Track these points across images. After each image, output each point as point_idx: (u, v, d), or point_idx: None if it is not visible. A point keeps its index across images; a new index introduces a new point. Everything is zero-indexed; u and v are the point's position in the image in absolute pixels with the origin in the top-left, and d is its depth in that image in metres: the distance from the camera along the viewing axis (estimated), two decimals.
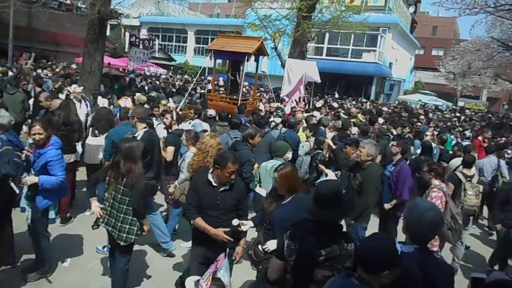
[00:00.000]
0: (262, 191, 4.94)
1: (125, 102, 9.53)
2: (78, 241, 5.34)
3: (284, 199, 3.41)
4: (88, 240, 5.38)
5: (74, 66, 21.37)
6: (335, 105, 16.32)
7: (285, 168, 3.44)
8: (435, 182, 4.79)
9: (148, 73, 23.98)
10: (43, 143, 4.07)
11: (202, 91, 16.06)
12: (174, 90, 16.26)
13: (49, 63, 19.48)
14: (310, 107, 13.67)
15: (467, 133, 11.60)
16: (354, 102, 20.81)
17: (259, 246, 3.37)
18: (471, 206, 5.57)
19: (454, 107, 31.12)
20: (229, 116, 7.27)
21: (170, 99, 11.44)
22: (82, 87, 8.68)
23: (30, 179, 4.04)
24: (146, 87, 15.21)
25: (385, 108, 18.88)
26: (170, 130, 6.62)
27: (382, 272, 1.97)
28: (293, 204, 3.31)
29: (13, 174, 3.99)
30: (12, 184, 3.97)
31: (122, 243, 3.80)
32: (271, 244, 3.17)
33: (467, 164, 6.33)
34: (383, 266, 1.97)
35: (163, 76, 25.10)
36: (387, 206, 5.48)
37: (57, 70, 16.48)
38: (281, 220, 3.28)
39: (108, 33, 14.43)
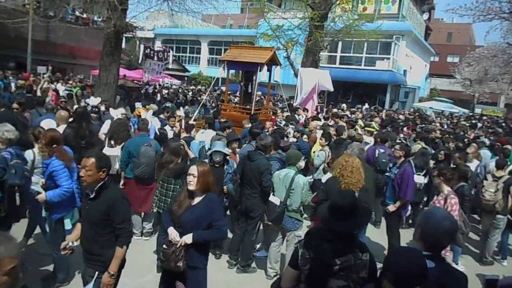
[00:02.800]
0: (275, 199, 4.93)
1: (146, 113, 9.69)
2: None
3: (194, 199, 3.42)
4: None
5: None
6: (348, 113, 16.21)
7: (204, 165, 3.49)
8: (447, 187, 4.72)
9: (163, 84, 24.30)
10: (50, 154, 4.24)
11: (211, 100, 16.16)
12: (184, 100, 16.42)
13: (66, 77, 19.89)
14: (323, 115, 13.64)
15: (486, 140, 11.31)
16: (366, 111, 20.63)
17: (163, 246, 3.38)
18: (488, 201, 6.09)
19: (470, 114, 30.65)
20: (230, 127, 7.41)
21: (181, 108, 11.58)
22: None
23: (40, 196, 4.22)
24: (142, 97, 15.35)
25: (401, 116, 18.70)
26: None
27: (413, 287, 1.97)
28: (204, 204, 3.37)
29: (19, 184, 4.01)
30: (17, 196, 4.02)
31: None
32: (172, 232, 3.31)
33: (499, 165, 6.54)
34: (416, 283, 1.97)
35: (174, 87, 25.34)
36: (391, 208, 5.70)
37: (70, 82, 16.78)
38: (193, 222, 3.32)
39: (123, 45, 14.69)
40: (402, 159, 5.96)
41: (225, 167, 5.39)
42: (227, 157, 5.47)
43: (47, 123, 6.00)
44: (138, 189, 5.73)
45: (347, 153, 5.11)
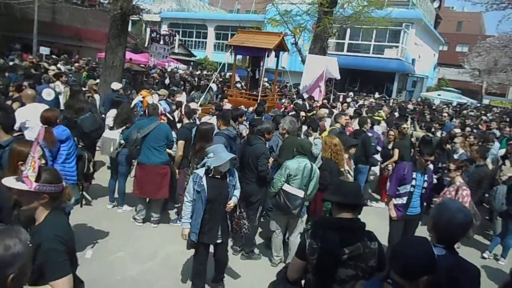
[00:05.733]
0: (299, 192, 4.83)
1: (152, 98, 9.64)
2: (100, 234, 5.40)
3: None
4: (109, 233, 5.44)
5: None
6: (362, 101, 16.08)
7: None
8: (460, 179, 4.72)
9: (169, 69, 24.10)
10: None
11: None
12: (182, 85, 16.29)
13: (73, 59, 19.83)
14: (331, 103, 13.51)
15: (497, 132, 11.19)
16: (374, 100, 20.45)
17: None
18: None
19: (478, 104, 30.34)
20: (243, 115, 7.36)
21: (184, 93, 11.52)
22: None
23: None
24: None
25: (409, 106, 18.54)
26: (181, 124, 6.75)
27: (421, 277, 1.93)
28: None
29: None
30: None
31: None
32: None
33: None
34: (423, 273, 1.93)
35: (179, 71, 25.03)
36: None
37: (76, 65, 16.69)
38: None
39: (129, 28, 14.53)
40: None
41: (228, 178, 4.12)
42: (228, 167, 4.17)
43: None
44: (152, 175, 5.68)
45: (332, 136, 5.51)
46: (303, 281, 2.77)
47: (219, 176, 4.01)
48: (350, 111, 10.65)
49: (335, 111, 9.83)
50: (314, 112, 9.77)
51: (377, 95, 24.71)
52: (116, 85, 9.82)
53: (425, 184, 5.05)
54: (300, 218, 5.01)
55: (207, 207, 3.97)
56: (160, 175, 5.76)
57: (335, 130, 7.31)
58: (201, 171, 4.02)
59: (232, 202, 4.12)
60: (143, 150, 5.68)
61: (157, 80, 16.36)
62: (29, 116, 5.28)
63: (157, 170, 5.70)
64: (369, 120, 7.93)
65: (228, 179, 4.10)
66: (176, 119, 7.69)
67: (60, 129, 4.49)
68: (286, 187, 4.83)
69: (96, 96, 9.55)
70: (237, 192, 4.25)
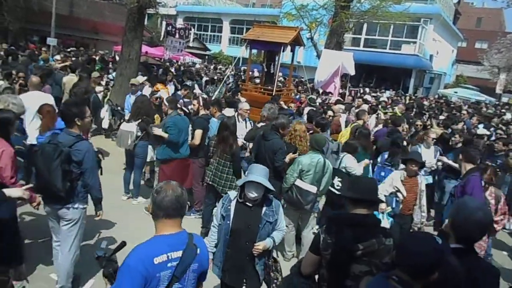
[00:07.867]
0: (311, 188, 4.83)
1: (168, 90, 9.73)
2: (114, 225, 5.47)
3: None
4: (123, 224, 5.50)
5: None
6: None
7: None
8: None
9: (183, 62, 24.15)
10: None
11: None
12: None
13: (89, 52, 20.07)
14: (345, 99, 13.38)
15: None
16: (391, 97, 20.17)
17: None
18: None
19: (497, 102, 29.68)
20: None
21: (196, 86, 11.61)
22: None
23: None
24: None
25: (425, 103, 18.24)
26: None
27: (429, 276, 1.89)
28: None
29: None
30: None
31: (223, 194, 4.63)
32: None
33: None
34: (431, 271, 1.89)
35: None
36: None
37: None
38: None
39: (145, 22, 14.57)
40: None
41: (264, 209, 3.24)
42: (270, 195, 3.30)
43: None
44: (179, 167, 5.92)
45: (298, 121, 5.68)
46: (316, 276, 2.75)
47: (251, 205, 3.20)
48: (364, 107, 10.52)
49: (353, 108, 9.72)
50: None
51: (388, 93, 24.05)
52: (139, 79, 9.92)
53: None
54: (312, 213, 5.00)
55: (230, 239, 3.23)
56: (186, 167, 6.10)
57: (358, 126, 7.18)
58: (232, 194, 3.34)
59: (261, 245, 3.18)
60: (170, 145, 5.82)
61: (175, 74, 16.43)
62: (29, 103, 5.26)
63: (184, 162, 6.01)
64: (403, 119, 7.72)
65: (263, 212, 3.22)
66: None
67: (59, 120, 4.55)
68: (298, 182, 4.82)
69: (98, 88, 9.82)
70: (276, 235, 3.31)
